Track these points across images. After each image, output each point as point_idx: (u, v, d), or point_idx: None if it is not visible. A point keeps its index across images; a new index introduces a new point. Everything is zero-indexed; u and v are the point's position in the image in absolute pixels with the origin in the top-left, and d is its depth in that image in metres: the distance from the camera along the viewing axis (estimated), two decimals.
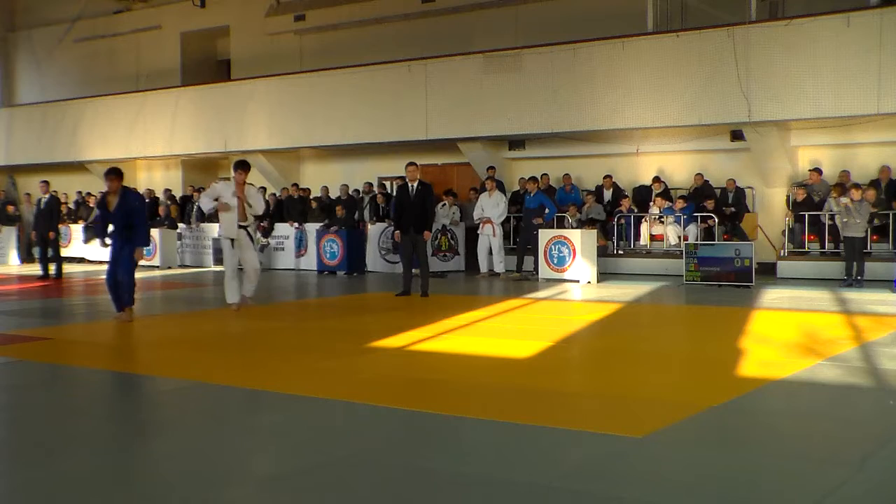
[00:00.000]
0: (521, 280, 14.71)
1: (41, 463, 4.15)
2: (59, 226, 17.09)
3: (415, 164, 12.14)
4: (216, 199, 10.31)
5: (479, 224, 15.53)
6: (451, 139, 17.67)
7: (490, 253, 15.41)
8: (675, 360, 7.18)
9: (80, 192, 22.36)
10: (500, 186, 16.90)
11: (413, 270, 12.20)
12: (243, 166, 10.49)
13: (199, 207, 19.38)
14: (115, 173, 9.32)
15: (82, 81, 25.21)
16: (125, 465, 4.14)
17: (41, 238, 16.18)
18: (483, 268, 15.53)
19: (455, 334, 8.19)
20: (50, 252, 15.99)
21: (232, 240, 10.31)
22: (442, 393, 5.78)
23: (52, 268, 15.82)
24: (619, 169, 17.31)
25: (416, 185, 11.78)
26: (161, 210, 19.88)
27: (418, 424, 4.93)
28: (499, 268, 15.25)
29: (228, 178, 10.75)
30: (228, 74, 23.44)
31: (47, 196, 16.44)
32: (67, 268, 16.94)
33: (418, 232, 11.75)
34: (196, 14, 23.31)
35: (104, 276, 9.57)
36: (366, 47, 20.17)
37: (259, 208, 10.59)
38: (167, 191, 21.18)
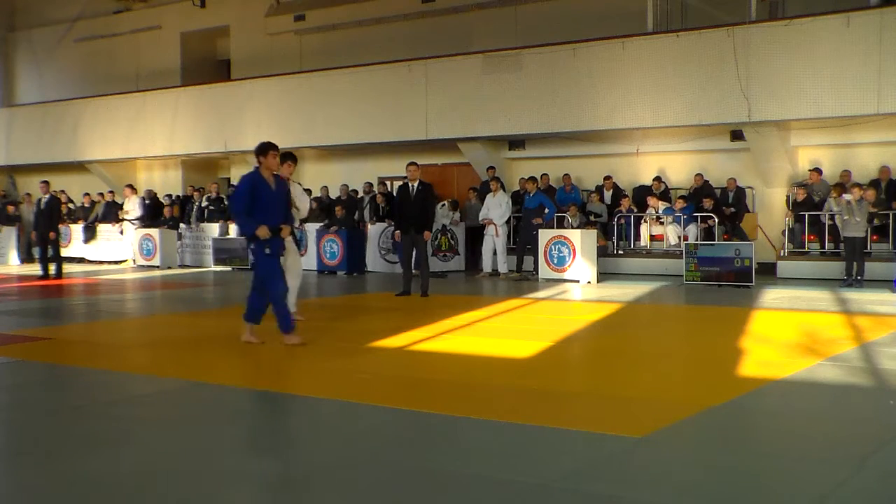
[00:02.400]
0: (521, 280, 14.71)
1: (41, 463, 4.15)
2: (59, 226, 17.07)
3: (415, 163, 12.13)
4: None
5: (483, 224, 15.56)
6: (451, 139, 17.67)
7: (494, 253, 15.42)
8: (676, 360, 7.18)
9: (62, 191, 22.10)
10: (500, 187, 16.92)
11: (413, 270, 12.21)
12: (291, 158, 8.95)
13: (199, 207, 19.40)
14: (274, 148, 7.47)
15: (82, 81, 25.22)
16: (125, 465, 4.14)
17: (41, 238, 16.15)
18: (486, 267, 15.52)
19: (455, 334, 8.18)
20: (50, 252, 15.97)
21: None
22: (442, 393, 5.77)
23: (52, 268, 15.81)
24: (619, 169, 17.31)
25: (416, 185, 11.78)
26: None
27: (418, 424, 4.93)
28: (502, 268, 15.25)
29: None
30: (228, 74, 23.44)
31: (47, 196, 16.41)
32: (67, 268, 16.93)
33: (418, 232, 11.74)
34: (196, 14, 23.32)
35: (275, 290, 7.33)
36: (366, 47, 20.17)
37: (305, 210, 9.35)
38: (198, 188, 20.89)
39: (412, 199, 11.73)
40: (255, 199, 7.22)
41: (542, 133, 16.75)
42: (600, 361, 7.22)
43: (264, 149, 7.40)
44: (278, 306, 7.37)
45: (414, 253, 12.06)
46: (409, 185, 11.83)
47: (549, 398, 5.56)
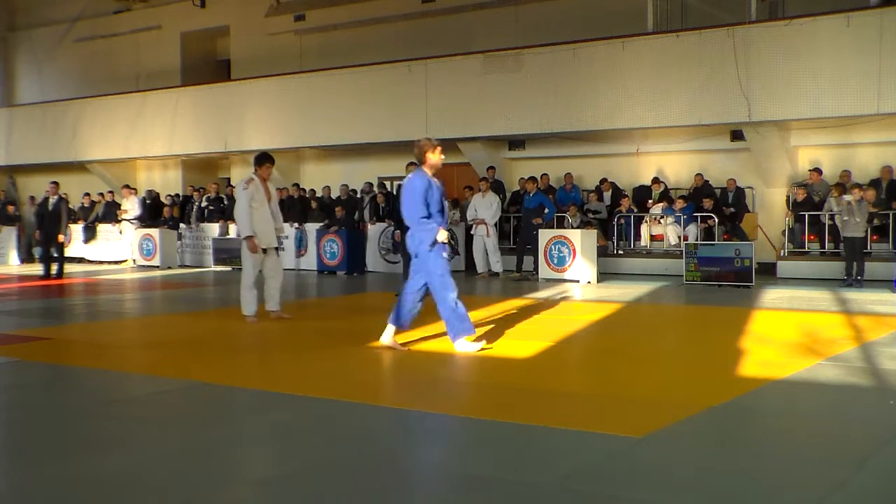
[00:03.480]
0: (521, 280, 14.71)
1: (41, 463, 4.14)
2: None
3: (415, 164, 12.09)
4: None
5: (472, 224, 15.54)
6: (451, 139, 17.65)
7: (486, 253, 15.41)
8: (675, 361, 7.18)
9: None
10: (500, 186, 16.92)
11: None
12: (268, 160, 9.11)
13: (199, 207, 19.40)
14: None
15: (82, 81, 25.23)
16: (125, 465, 4.14)
17: (46, 238, 16.04)
18: (479, 268, 15.52)
19: None
20: (54, 252, 15.92)
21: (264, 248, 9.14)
22: (442, 393, 5.77)
23: (54, 267, 15.79)
24: (619, 169, 17.31)
25: None
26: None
27: (419, 424, 4.93)
28: (497, 267, 15.25)
29: (252, 179, 9.06)
30: (228, 74, 23.45)
31: (55, 197, 16.29)
32: (67, 268, 16.92)
33: None
34: (196, 14, 23.34)
35: (449, 295, 6.98)
36: (366, 47, 20.18)
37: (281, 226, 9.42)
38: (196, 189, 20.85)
39: None
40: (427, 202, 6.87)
41: (542, 133, 16.75)
42: (600, 361, 7.22)
43: (433, 145, 6.98)
44: (407, 302, 7.10)
45: None
46: None
47: (550, 398, 5.56)
